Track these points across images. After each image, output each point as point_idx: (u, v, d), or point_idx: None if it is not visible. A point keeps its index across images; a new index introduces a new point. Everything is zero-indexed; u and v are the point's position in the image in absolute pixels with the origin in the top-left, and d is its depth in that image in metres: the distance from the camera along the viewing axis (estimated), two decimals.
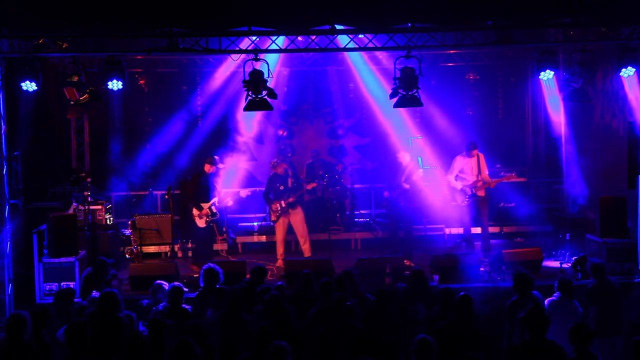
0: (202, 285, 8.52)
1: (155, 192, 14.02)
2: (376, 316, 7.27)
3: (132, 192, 14.24)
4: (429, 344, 5.84)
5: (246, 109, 10.34)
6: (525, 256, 10.88)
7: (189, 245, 12.20)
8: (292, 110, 15.68)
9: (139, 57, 12.17)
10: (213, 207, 11.60)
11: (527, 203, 13.57)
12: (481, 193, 12.09)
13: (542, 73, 10.94)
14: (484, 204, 12.14)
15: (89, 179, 12.79)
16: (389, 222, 12.55)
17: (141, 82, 15.35)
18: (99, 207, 12.59)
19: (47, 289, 10.13)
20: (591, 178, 12.36)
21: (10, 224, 10.39)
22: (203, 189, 11.66)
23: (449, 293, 7.35)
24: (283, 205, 11.89)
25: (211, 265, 8.59)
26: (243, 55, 10.66)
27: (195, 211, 11.60)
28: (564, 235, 12.04)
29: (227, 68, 13.87)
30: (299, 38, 10.93)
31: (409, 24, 10.21)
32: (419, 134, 14.38)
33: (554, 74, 11.18)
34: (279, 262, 11.77)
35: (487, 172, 12.18)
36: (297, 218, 11.98)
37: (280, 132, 15.54)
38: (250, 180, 15.16)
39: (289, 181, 12.01)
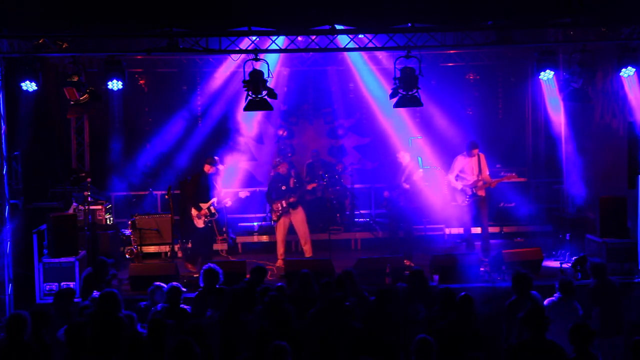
0: (202, 285, 8.52)
1: (155, 192, 14.02)
2: (376, 316, 7.27)
3: (132, 192, 14.23)
4: (429, 344, 5.85)
5: (246, 109, 10.34)
6: (525, 256, 10.88)
7: (189, 245, 12.20)
8: (292, 110, 15.68)
9: (139, 57, 12.16)
10: (212, 208, 11.59)
11: (527, 203, 13.57)
12: (481, 193, 12.09)
13: (542, 73, 10.94)
14: (484, 204, 12.14)
15: (89, 179, 12.79)
16: (389, 222, 12.55)
17: (141, 82, 15.34)
18: (99, 207, 12.59)
19: (47, 289, 10.13)
20: (591, 178, 12.36)
21: (10, 224, 10.39)
22: (202, 189, 11.65)
23: (449, 293, 7.35)
24: (284, 205, 11.89)
25: (211, 265, 8.60)
26: (243, 55, 10.66)
27: (193, 211, 11.59)
28: (564, 235, 12.04)
29: (227, 68, 13.87)
30: (299, 38, 10.93)
31: (409, 24, 10.21)
32: (419, 134, 14.38)
33: (554, 74, 11.18)
34: (279, 262, 11.77)
35: (487, 172, 12.18)
36: (298, 218, 11.98)
37: (280, 132, 15.53)
38: (250, 180, 15.16)
39: (291, 181, 12.01)
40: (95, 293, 8.27)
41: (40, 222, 10.80)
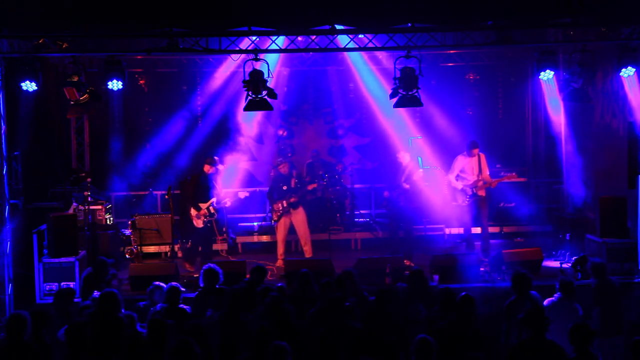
0: (201, 285, 8.52)
1: (155, 192, 14.02)
2: (376, 316, 7.27)
3: (132, 192, 14.23)
4: (429, 344, 5.85)
5: (246, 109, 10.34)
6: (525, 256, 10.88)
7: (189, 245, 12.19)
8: (292, 110, 15.68)
9: (139, 57, 12.17)
10: (211, 208, 11.59)
11: (527, 203, 13.57)
12: (482, 193, 12.08)
13: (542, 73, 10.94)
14: (484, 204, 12.14)
15: (89, 179, 12.79)
16: (389, 222, 12.55)
17: (141, 82, 15.34)
18: (99, 207, 12.59)
19: (47, 289, 10.13)
20: (591, 178, 12.36)
21: (10, 224, 10.39)
22: (202, 189, 11.65)
23: (449, 293, 7.35)
24: (285, 205, 11.89)
25: (211, 265, 8.59)
26: (243, 55, 10.66)
27: (193, 211, 11.58)
28: (564, 235, 12.04)
29: (227, 68, 13.87)
30: (299, 38, 10.93)
31: (409, 24, 10.21)
32: (419, 134, 14.37)
33: (554, 74, 11.17)
34: (279, 262, 11.77)
35: (488, 172, 12.18)
36: (299, 218, 11.98)
37: (280, 132, 15.54)
38: (250, 180, 15.17)
39: (292, 181, 12.01)
40: (96, 293, 8.27)
41: (40, 222, 10.80)
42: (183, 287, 8.16)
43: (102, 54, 10.69)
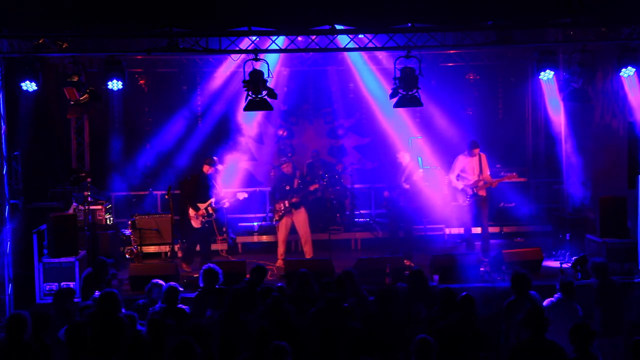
0: (201, 285, 8.51)
1: (155, 192, 14.01)
2: (376, 316, 7.27)
3: (132, 192, 14.23)
4: (429, 344, 5.84)
5: (246, 109, 10.34)
6: (525, 256, 10.89)
7: (186, 245, 12.18)
8: (292, 110, 15.68)
9: (139, 57, 12.17)
10: (210, 208, 11.58)
11: (527, 203, 13.57)
12: (482, 193, 12.09)
13: (542, 73, 10.94)
14: (484, 204, 12.14)
15: (89, 179, 12.79)
16: (389, 222, 12.55)
17: (141, 82, 15.35)
18: (99, 207, 12.58)
19: (47, 289, 10.13)
20: (591, 178, 12.36)
21: (10, 224, 10.39)
22: (201, 189, 11.64)
23: (449, 293, 7.35)
24: (287, 205, 11.88)
25: (211, 265, 8.59)
26: (243, 55, 10.66)
27: (191, 212, 11.58)
28: (564, 235, 12.04)
29: (227, 68, 13.88)
30: (299, 38, 10.93)
31: (409, 24, 10.21)
32: (419, 134, 14.37)
33: (554, 74, 11.17)
34: (279, 262, 11.77)
35: (488, 172, 12.18)
36: (300, 218, 11.98)
37: (280, 132, 15.55)
38: (250, 180, 15.18)
39: (295, 182, 12.01)
40: (98, 293, 8.26)
41: (40, 222, 10.80)
42: (182, 287, 8.15)
43: (102, 54, 10.70)
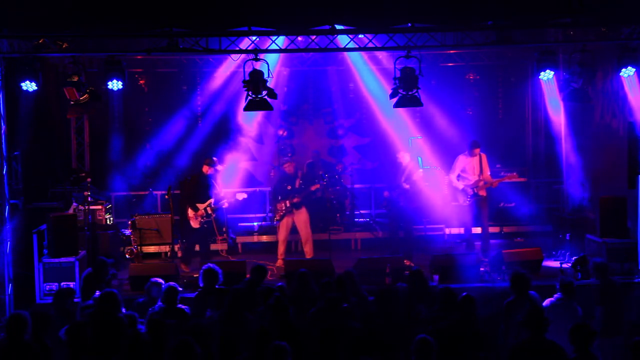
0: (201, 285, 8.51)
1: (155, 192, 14.01)
2: (377, 316, 7.27)
3: (132, 192, 14.23)
4: (429, 344, 5.84)
5: (246, 109, 10.34)
6: (525, 256, 10.88)
7: (184, 246, 12.18)
8: (292, 110, 15.68)
9: (139, 57, 12.16)
10: (209, 208, 11.58)
11: (527, 203, 13.57)
12: (483, 193, 12.08)
13: (542, 73, 10.94)
14: (485, 204, 12.14)
15: (89, 179, 12.79)
16: (389, 222, 12.54)
17: (141, 82, 15.35)
18: (99, 207, 12.58)
19: (47, 289, 10.13)
20: (591, 178, 12.36)
21: (10, 224, 10.39)
22: (200, 189, 11.63)
23: (449, 293, 7.35)
24: (288, 205, 11.88)
25: (210, 265, 8.58)
26: (243, 55, 10.66)
27: (190, 212, 11.57)
28: (564, 235, 12.04)
29: (227, 68, 13.88)
30: (299, 38, 10.93)
31: (409, 24, 10.21)
32: (419, 134, 14.38)
33: (554, 74, 11.17)
34: (279, 262, 11.77)
35: (489, 172, 12.18)
36: (302, 219, 11.98)
37: (280, 132, 15.55)
38: (250, 180, 15.18)
39: (297, 182, 12.01)
40: (98, 293, 8.26)
41: (40, 222, 10.80)
42: (181, 287, 8.15)
43: (102, 54, 10.69)
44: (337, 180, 13.92)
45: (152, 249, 12.57)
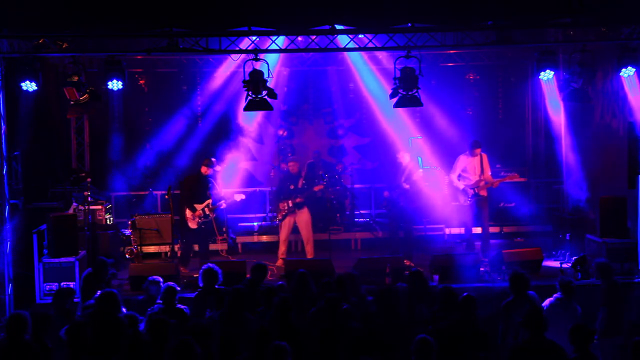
0: (201, 285, 8.50)
1: (155, 192, 14.01)
2: (377, 316, 7.27)
3: (132, 192, 14.22)
4: (429, 344, 5.84)
5: (246, 109, 10.34)
6: (525, 256, 10.88)
7: (182, 247, 12.16)
8: (292, 110, 15.68)
9: (139, 57, 12.16)
10: (206, 209, 11.57)
11: (527, 203, 13.56)
12: (483, 193, 12.08)
13: (542, 73, 10.94)
14: (485, 204, 12.13)
15: (89, 179, 12.78)
16: (389, 222, 12.54)
17: (141, 82, 15.35)
18: (99, 207, 12.58)
19: (47, 289, 10.13)
20: (591, 178, 12.36)
21: (10, 224, 10.39)
22: (198, 190, 11.61)
23: (450, 293, 7.35)
24: (290, 205, 11.87)
25: (210, 265, 8.57)
26: (243, 55, 10.66)
27: (188, 212, 11.56)
28: (564, 235, 12.04)
29: (227, 68, 13.88)
30: (299, 38, 10.93)
31: (409, 24, 10.21)
32: (419, 134, 14.38)
33: (554, 74, 11.17)
34: (279, 262, 11.76)
35: (490, 172, 12.18)
36: (303, 219, 11.96)
37: (280, 132, 15.54)
38: (250, 180, 15.17)
39: (300, 181, 12.00)
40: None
41: (40, 222, 10.80)
42: (179, 287, 8.15)
43: (102, 54, 10.70)
44: (337, 180, 13.92)
45: (152, 249, 12.57)
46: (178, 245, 12.29)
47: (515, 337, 7.02)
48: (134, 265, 10.97)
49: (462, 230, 12.63)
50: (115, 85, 10.64)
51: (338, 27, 10.22)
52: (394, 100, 10.53)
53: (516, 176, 12.59)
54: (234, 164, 13.42)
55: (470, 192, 12.02)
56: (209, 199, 11.60)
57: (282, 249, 11.97)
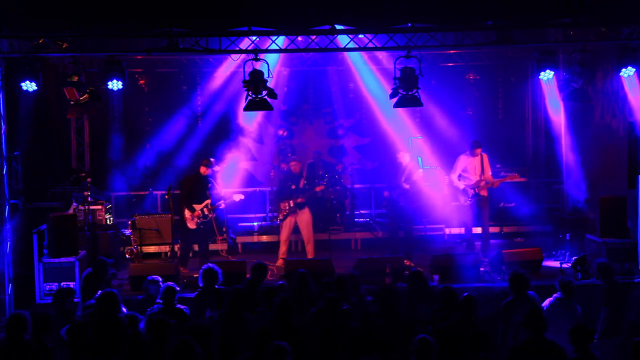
0: (201, 285, 8.50)
1: (155, 192, 14.01)
2: (377, 316, 7.27)
3: (132, 192, 14.22)
4: (429, 344, 5.84)
5: (246, 109, 10.34)
6: (525, 256, 10.89)
7: (181, 247, 12.16)
8: (292, 110, 15.68)
9: (139, 57, 12.16)
10: (205, 209, 11.57)
11: (527, 203, 13.56)
12: (484, 193, 12.07)
13: (542, 73, 10.94)
14: (485, 204, 12.13)
15: (89, 179, 12.78)
16: (389, 222, 12.54)
17: (141, 82, 15.35)
18: (99, 207, 12.58)
19: (47, 289, 10.13)
20: (591, 178, 12.36)
21: (10, 224, 10.39)
22: (197, 190, 11.62)
23: (450, 293, 7.35)
24: (291, 204, 11.87)
25: (210, 265, 8.58)
26: (243, 55, 10.66)
27: (187, 213, 11.56)
28: (564, 235, 12.04)
29: (227, 68, 13.88)
30: (299, 38, 10.93)
31: (409, 24, 10.21)
32: (419, 134, 14.38)
33: (554, 74, 11.17)
34: (279, 262, 11.76)
35: (490, 172, 12.18)
36: (304, 219, 11.96)
37: (280, 132, 15.53)
38: (250, 180, 15.17)
39: (302, 181, 12.00)
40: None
41: (40, 222, 10.80)
42: (178, 287, 8.15)
43: (102, 54, 10.69)
44: (337, 180, 13.92)
45: (152, 249, 12.57)
46: (178, 245, 12.30)
47: (515, 337, 7.03)
48: (134, 265, 10.97)
49: (462, 230, 12.63)
50: (115, 85, 10.64)
51: (338, 27, 10.22)
52: (394, 100, 10.53)
53: (517, 176, 12.59)
54: (234, 164, 13.44)
55: (471, 192, 12.02)
56: (208, 199, 11.60)
57: (282, 248, 11.97)
